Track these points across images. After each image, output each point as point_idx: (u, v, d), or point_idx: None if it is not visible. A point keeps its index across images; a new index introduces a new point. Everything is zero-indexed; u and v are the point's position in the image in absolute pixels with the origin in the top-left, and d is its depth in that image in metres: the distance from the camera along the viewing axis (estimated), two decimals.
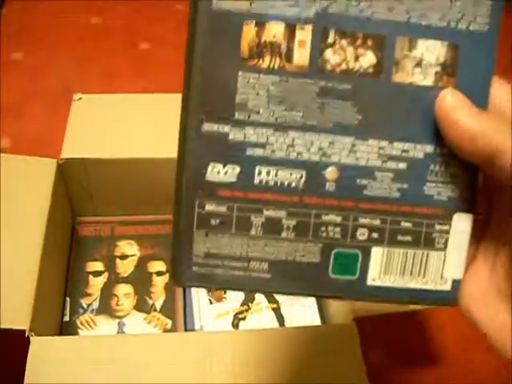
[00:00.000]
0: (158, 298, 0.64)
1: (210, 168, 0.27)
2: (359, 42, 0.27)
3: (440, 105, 0.26)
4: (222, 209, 0.28)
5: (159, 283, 0.66)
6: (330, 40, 0.27)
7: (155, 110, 0.68)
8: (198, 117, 0.27)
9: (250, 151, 0.27)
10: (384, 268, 0.29)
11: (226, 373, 0.48)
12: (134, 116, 0.68)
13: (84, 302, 0.63)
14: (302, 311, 0.63)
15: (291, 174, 0.27)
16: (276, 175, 0.27)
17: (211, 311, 0.62)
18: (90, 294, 0.64)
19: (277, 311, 0.63)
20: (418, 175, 0.28)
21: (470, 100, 0.26)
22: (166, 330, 0.61)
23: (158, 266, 0.67)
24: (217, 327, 0.60)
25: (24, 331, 0.48)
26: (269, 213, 0.28)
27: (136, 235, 0.70)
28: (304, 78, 0.27)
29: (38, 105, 0.95)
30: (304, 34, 0.26)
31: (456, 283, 0.29)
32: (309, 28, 0.26)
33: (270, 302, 0.63)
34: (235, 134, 0.27)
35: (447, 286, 0.29)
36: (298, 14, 0.26)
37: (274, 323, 0.62)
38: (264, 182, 0.27)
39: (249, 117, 0.27)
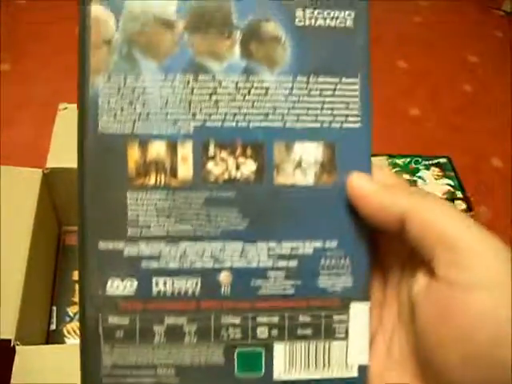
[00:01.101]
0: None
1: (109, 283, 0.28)
2: (239, 151, 0.28)
3: (350, 185, 0.28)
4: (125, 321, 0.28)
5: None
6: (211, 153, 0.28)
7: None
8: (93, 237, 0.27)
9: (145, 264, 0.28)
10: (288, 362, 0.29)
11: None
12: None
13: (71, 310, 0.63)
14: None
15: (187, 282, 0.28)
16: (172, 284, 0.28)
17: None
18: (76, 303, 0.64)
19: None
20: (310, 270, 0.29)
21: None
22: None
23: None
24: None
25: (9, 341, 0.48)
26: (170, 321, 0.28)
27: None
28: (189, 190, 0.28)
29: (25, 115, 0.95)
30: (185, 150, 0.28)
31: (362, 368, 0.29)
32: (189, 144, 0.28)
33: None
34: (129, 250, 0.28)
35: (353, 373, 0.29)
36: (178, 131, 0.27)
37: None
38: (162, 292, 0.28)
39: (141, 232, 0.28)
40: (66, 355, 0.49)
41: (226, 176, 0.28)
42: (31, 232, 0.57)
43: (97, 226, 0.27)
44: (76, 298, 0.64)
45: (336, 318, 0.29)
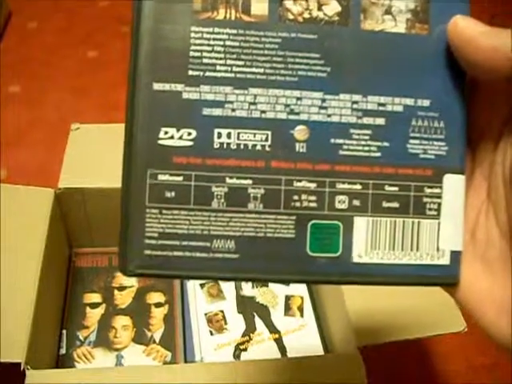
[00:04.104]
0: (157, 330, 0.63)
1: (162, 132, 0.24)
2: None
3: (454, 27, 0.24)
4: (178, 179, 0.24)
5: (158, 315, 0.64)
6: None
7: None
8: (147, 77, 0.24)
9: (206, 111, 0.24)
10: (370, 241, 0.25)
11: None
12: None
13: (81, 334, 0.62)
14: (305, 340, 0.62)
15: (255, 136, 0.25)
16: (238, 137, 0.24)
17: (212, 342, 0.61)
18: (87, 327, 0.62)
19: (279, 342, 0.61)
20: (399, 132, 0.25)
21: None
22: (165, 363, 0.60)
23: (156, 297, 0.66)
24: (218, 358, 0.59)
25: (19, 364, 0.47)
26: (232, 181, 0.24)
27: None
28: (264, 29, 0.24)
29: (35, 136, 0.95)
30: None
31: (455, 255, 0.25)
32: None
33: (271, 332, 0.62)
34: (189, 93, 0.24)
35: (445, 260, 0.25)
36: None
37: (275, 354, 0.60)
38: (225, 145, 0.24)
39: (204, 73, 0.24)
40: (77, 379, 0.48)
41: (306, 15, 0.24)
42: (42, 254, 0.56)
43: (152, 64, 0.24)
44: (86, 322, 0.63)
45: (427, 190, 0.25)
